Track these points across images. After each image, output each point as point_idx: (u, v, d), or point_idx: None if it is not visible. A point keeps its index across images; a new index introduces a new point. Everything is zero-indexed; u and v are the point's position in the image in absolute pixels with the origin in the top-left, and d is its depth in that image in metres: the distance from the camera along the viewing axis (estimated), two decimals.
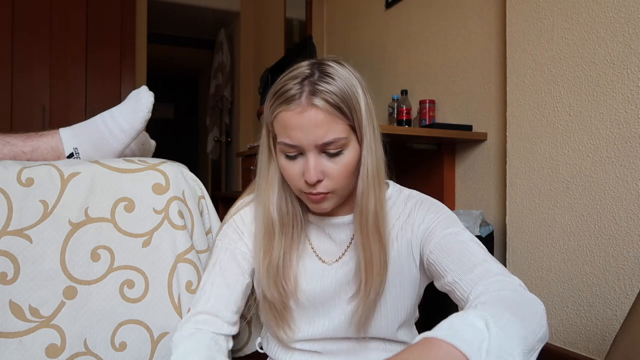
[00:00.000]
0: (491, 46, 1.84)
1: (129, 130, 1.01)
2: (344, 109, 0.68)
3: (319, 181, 0.70)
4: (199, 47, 5.12)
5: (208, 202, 1.02)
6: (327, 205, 0.74)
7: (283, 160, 0.73)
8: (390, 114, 2.18)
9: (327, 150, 0.69)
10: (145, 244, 0.92)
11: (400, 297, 0.79)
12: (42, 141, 0.98)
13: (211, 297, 0.80)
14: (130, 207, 0.92)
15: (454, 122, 1.99)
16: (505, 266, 1.59)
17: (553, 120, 1.45)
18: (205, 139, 5.06)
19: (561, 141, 1.42)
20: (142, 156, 1.18)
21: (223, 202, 3.58)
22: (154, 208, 0.92)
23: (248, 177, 2.74)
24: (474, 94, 1.92)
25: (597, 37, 1.33)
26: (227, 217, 0.87)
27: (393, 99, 2.18)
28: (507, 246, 1.58)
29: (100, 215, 0.90)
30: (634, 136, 1.24)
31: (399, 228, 0.79)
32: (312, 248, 0.82)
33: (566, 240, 1.40)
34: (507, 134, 1.59)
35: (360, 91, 0.71)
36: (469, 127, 1.90)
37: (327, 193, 0.72)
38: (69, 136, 1.00)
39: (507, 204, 1.59)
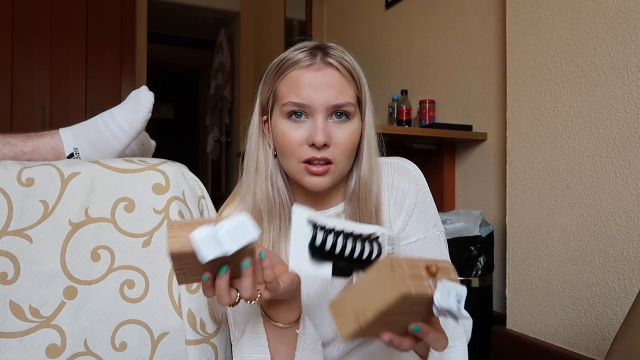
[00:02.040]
0: (491, 46, 1.84)
1: (129, 130, 1.01)
2: (355, 76, 0.69)
3: (326, 145, 0.67)
4: (199, 47, 5.12)
5: (208, 202, 1.02)
6: (325, 180, 0.70)
7: (284, 125, 0.69)
8: (390, 114, 2.18)
9: (337, 113, 0.68)
10: (146, 244, 0.92)
11: None
12: (42, 141, 0.98)
13: (241, 324, 0.77)
14: (130, 207, 0.92)
15: (454, 122, 1.99)
16: (505, 266, 1.59)
17: (553, 120, 1.45)
18: (205, 139, 5.06)
19: (561, 141, 1.42)
20: (142, 156, 1.18)
21: (223, 202, 3.57)
22: (154, 208, 0.92)
23: None
24: (474, 94, 1.92)
25: (597, 37, 1.33)
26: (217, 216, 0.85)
27: (393, 99, 2.18)
28: (507, 246, 1.58)
29: (101, 215, 0.90)
30: (634, 136, 1.24)
31: (388, 204, 0.77)
32: None
33: (566, 240, 1.40)
34: (507, 134, 1.59)
35: (361, 70, 0.72)
36: (469, 127, 1.90)
37: (331, 163, 0.68)
38: (69, 136, 1.00)
39: (507, 204, 1.59)
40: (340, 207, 0.77)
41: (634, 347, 0.71)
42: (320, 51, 0.68)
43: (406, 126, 2.06)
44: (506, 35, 1.61)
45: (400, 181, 0.77)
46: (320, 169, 0.68)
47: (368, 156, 0.72)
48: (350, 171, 0.75)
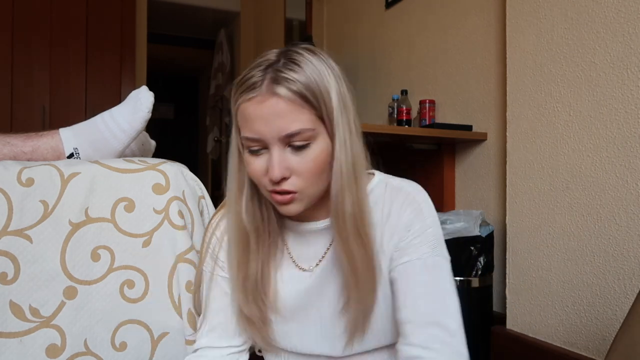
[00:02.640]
0: (491, 46, 1.84)
1: (129, 130, 1.01)
2: (310, 98, 0.62)
3: (285, 178, 0.64)
4: (199, 47, 5.12)
5: (208, 202, 1.02)
6: (295, 208, 0.67)
7: (247, 156, 0.66)
8: (390, 114, 2.18)
9: (292, 143, 0.63)
10: (145, 244, 0.92)
11: (391, 310, 0.71)
12: (42, 141, 0.98)
13: (212, 330, 0.78)
14: (130, 207, 0.92)
15: (454, 122, 1.99)
16: (505, 266, 1.59)
17: (553, 120, 1.45)
18: (205, 139, 5.06)
19: (561, 141, 1.42)
20: (142, 156, 1.18)
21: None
22: (154, 208, 0.92)
23: None
24: (474, 94, 1.92)
25: (597, 37, 1.33)
26: (204, 237, 0.83)
27: (393, 99, 2.18)
28: (507, 246, 1.58)
29: (101, 215, 0.90)
30: (634, 136, 1.24)
31: (383, 228, 0.71)
32: (290, 254, 0.77)
33: (566, 240, 1.40)
34: (507, 134, 1.59)
35: (332, 79, 0.64)
36: (469, 127, 1.90)
37: (295, 192, 0.65)
38: (69, 136, 1.00)
39: (507, 204, 1.59)
40: (326, 221, 0.74)
41: (634, 347, 0.71)
42: (270, 74, 0.62)
43: (406, 126, 2.06)
44: (506, 35, 1.61)
45: (397, 202, 0.72)
46: (285, 197, 0.65)
47: (338, 177, 0.66)
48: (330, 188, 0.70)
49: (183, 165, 1.01)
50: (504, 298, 1.62)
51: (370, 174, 0.75)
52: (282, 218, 0.76)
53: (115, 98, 3.28)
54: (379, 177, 0.76)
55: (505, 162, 1.61)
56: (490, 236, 1.67)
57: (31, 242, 0.85)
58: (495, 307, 1.76)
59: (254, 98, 0.62)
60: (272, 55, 0.65)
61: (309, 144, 0.64)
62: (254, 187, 0.71)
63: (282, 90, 0.61)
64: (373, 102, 2.53)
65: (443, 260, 0.70)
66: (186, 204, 0.95)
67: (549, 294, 1.45)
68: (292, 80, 0.62)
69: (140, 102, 1.01)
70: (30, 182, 0.86)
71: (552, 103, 1.45)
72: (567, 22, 1.41)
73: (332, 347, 0.75)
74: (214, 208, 1.04)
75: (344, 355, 0.75)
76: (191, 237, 0.95)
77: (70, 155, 0.99)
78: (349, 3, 2.86)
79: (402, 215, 0.70)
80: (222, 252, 0.79)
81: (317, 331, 0.75)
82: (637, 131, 1.23)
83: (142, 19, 3.72)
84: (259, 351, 0.91)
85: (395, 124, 2.11)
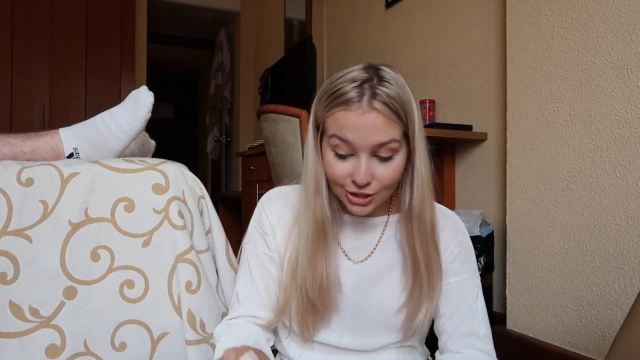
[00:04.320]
0: (491, 46, 1.84)
1: (128, 130, 1.01)
2: (401, 114, 0.69)
3: (367, 183, 0.71)
4: (199, 47, 5.12)
5: (208, 202, 1.02)
6: (368, 209, 0.74)
7: (331, 157, 0.72)
8: None
9: (379, 153, 0.70)
10: (145, 244, 0.91)
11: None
12: (42, 141, 0.98)
13: (245, 302, 0.80)
14: (130, 207, 0.91)
15: (454, 122, 1.99)
16: (505, 266, 1.59)
17: (553, 120, 1.45)
18: (205, 139, 5.06)
19: (561, 141, 1.42)
20: (142, 156, 1.18)
21: (223, 202, 3.58)
22: (153, 208, 0.92)
23: (248, 177, 2.73)
24: (474, 94, 1.92)
25: (597, 37, 1.33)
26: (255, 213, 0.86)
27: None
28: (507, 246, 1.58)
29: (100, 215, 0.90)
30: (634, 136, 1.24)
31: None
32: (340, 245, 0.82)
33: (566, 240, 1.40)
34: (507, 134, 1.59)
35: (413, 100, 0.72)
36: (469, 127, 1.90)
37: (373, 195, 0.72)
38: (68, 136, 1.00)
39: (507, 204, 1.59)
40: (381, 218, 0.81)
41: (634, 347, 0.71)
42: (369, 89, 0.68)
43: None
44: (506, 35, 1.61)
45: (449, 224, 0.83)
46: (362, 200, 0.72)
47: (419, 185, 0.74)
48: (399, 193, 0.79)
49: (183, 165, 1.01)
50: (504, 298, 1.62)
51: None
52: (342, 213, 0.82)
53: (115, 98, 3.28)
54: None
55: (505, 162, 1.61)
56: (490, 236, 1.67)
57: (31, 242, 0.85)
58: (495, 307, 1.76)
59: (354, 110, 0.68)
60: (360, 72, 0.70)
61: (392, 155, 0.71)
62: (329, 189, 0.77)
63: (381, 106, 0.68)
64: None
65: (478, 281, 0.83)
66: (186, 204, 0.95)
67: (549, 294, 1.45)
68: (388, 97, 0.68)
69: (140, 102, 1.01)
70: (30, 182, 0.86)
71: (552, 103, 1.45)
72: (567, 22, 1.41)
73: (365, 343, 0.81)
74: (214, 208, 1.04)
75: (369, 350, 0.81)
76: (191, 237, 0.95)
77: (70, 155, 0.99)
78: (349, 3, 2.86)
79: (455, 236, 0.82)
80: (274, 234, 0.82)
81: (357, 325, 0.80)
82: (637, 131, 1.23)
83: (142, 19, 3.72)
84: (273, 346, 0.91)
85: None
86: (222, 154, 4.78)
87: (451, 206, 1.99)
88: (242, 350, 0.69)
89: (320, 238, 0.77)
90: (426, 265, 0.76)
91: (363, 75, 0.70)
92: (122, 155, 1.05)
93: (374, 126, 0.68)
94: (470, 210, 1.73)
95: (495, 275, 1.73)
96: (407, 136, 0.72)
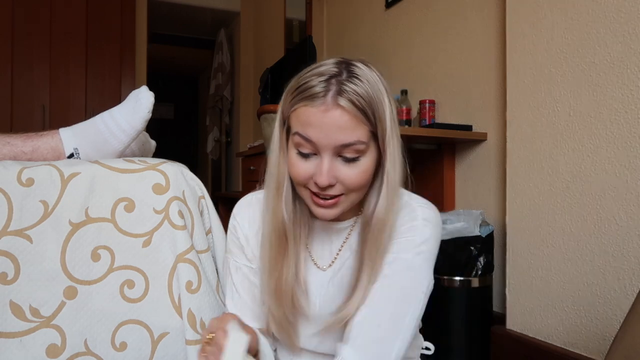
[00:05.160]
0: (491, 46, 1.84)
1: (129, 130, 1.01)
2: (369, 113, 0.64)
3: (330, 185, 0.66)
4: (199, 47, 5.13)
5: (208, 202, 1.02)
6: (333, 213, 0.69)
7: (294, 156, 0.68)
8: None
9: (343, 154, 0.65)
10: (146, 244, 0.92)
11: None
12: (42, 141, 0.98)
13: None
14: (130, 207, 0.92)
15: (454, 122, 1.99)
16: (505, 266, 1.59)
17: (553, 120, 1.45)
18: (205, 139, 5.06)
19: (561, 141, 1.42)
20: (142, 156, 1.18)
21: (223, 202, 3.58)
22: (154, 208, 0.92)
23: (248, 177, 2.74)
24: (474, 94, 1.92)
25: (597, 37, 1.33)
26: (229, 223, 0.84)
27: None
28: (507, 246, 1.58)
29: (101, 215, 0.90)
30: (634, 136, 1.24)
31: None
32: (309, 251, 0.78)
33: (566, 240, 1.40)
34: (507, 134, 1.59)
35: (385, 98, 0.67)
36: (469, 127, 1.90)
37: (339, 196, 0.67)
38: (69, 136, 1.00)
39: (507, 204, 1.59)
40: (348, 221, 0.77)
41: (634, 347, 0.71)
42: (336, 85, 0.63)
43: (406, 126, 2.06)
44: (506, 35, 1.61)
45: (401, 214, 0.74)
46: (327, 202, 0.68)
47: (387, 191, 0.69)
48: (367, 195, 0.72)
49: (183, 165, 1.01)
50: (504, 298, 1.62)
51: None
52: (311, 217, 0.77)
53: (115, 98, 3.28)
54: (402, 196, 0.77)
55: (505, 162, 1.61)
56: (490, 236, 1.67)
57: (31, 242, 0.85)
58: (495, 307, 1.76)
59: (317, 106, 0.63)
60: (331, 66, 0.66)
61: (359, 157, 0.66)
62: (292, 186, 0.72)
63: (346, 103, 0.63)
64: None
65: (421, 256, 0.72)
66: (186, 204, 0.95)
67: (549, 294, 1.45)
68: (356, 95, 0.63)
69: (140, 102, 1.01)
70: (30, 182, 0.86)
71: (552, 103, 1.45)
72: (567, 22, 1.41)
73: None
74: (214, 208, 1.04)
75: None
76: (191, 237, 0.95)
77: (70, 155, 0.99)
78: (349, 3, 2.86)
79: (403, 225, 0.73)
80: (248, 243, 0.80)
81: (332, 331, 0.75)
82: (637, 131, 1.23)
83: (142, 19, 3.72)
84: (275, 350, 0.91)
85: None
86: (222, 154, 4.78)
87: (451, 206, 1.99)
88: (225, 317, 0.67)
89: (281, 242, 0.72)
90: (369, 278, 0.69)
91: (333, 69, 0.65)
92: (122, 155, 1.05)
93: (338, 125, 0.63)
94: (470, 210, 1.73)
95: (495, 275, 1.73)
96: (376, 137, 0.67)
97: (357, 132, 0.64)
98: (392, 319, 0.69)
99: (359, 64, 0.67)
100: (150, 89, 1.04)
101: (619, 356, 0.73)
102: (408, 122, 2.08)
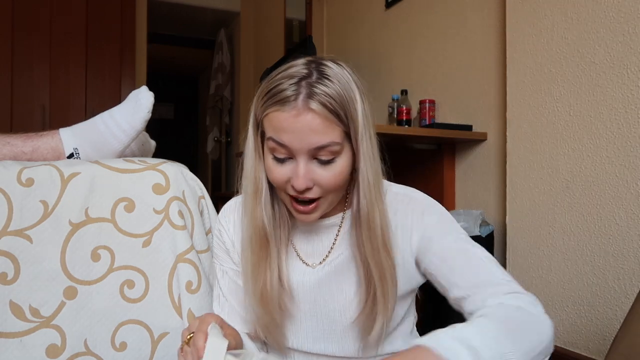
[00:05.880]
0: (491, 46, 1.84)
1: (129, 130, 1.01)
2: (341, 114, 0.64)
3: (308, 188, 0.66)
4: (199, 47, 5.12)
5: (208, 202, 1.02)
6: (314, 216, 0.69)
7: (269, 160, 0.67)
8: (390, 114, 2.18)
9: (318, 156, 0.65)
10: (146, 244, 0.92)
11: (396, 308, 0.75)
12: (42, 141, 0.98)
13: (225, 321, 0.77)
14: (130, 207, 0.92)
15: (454, 122, 1.99)
16: (505, 266, 1.59)
17: (553, 120, 1.45)
18: (205, 139, 5.06)
19: (561, 141, 1.42)
20: (142, 156, 1.18)
21: (223, 202, 3.56)
22: (154, 208, 0.92)
23: None
24: (474, 94, 1.92)
25: (597, 37, 1.33)
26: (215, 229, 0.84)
27: (393, 99, 2.18)
28: (507, 246, 1.58)
29: (101, 215, 0.90)
30: (634, 136, 1.24)
31: (396, 232, 0.74)
32: (295, 250, 0.78)
33: (566, 240, 1.40)
34: (507, 134, 1.59)
35: (357, 96, 0.66)
36: (469, 127, 1.90)
37: (318, 199, 0.67)
38: (69, 136, 1.00)
39: (507, 204, 1.59)
40: (335, 218, 0.76)
41: (634, 347, 0.71)
42: (306, 87, 0.62)
43: (406, 126, 2.06)
44: (506, 35, 1.61)
45: (402, 206, 0.75)
46: (307, 207, 0.68)
47: (365, 187, 0.68)
48: (349, 191, 0.73)
49: (183, 165, 1.01)
50: None
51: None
52: (292, 217, 0.76)
53: (115, 98, 3.28)
54: (386, 187, 0.77)
55: (505, 162, 1.61)
56: (490, 236, 1.67)
57: (31, 242, 0.85)
58: None
59: (288, 110, 0.63)
60: (301, 67, 0.65)
61: (334, 158, 0.65)
62: (271, 190, 0.72)
63: (317, 106, 0.62)
64: (373, 102, 2.52)
65: (463, 235, 0.73)
66: (186, 204, 0.96)
67: (549, 294, 1.45)
68: (327, 97, 0.63)
69: (140, 102, 1.01)
70: (30, 182, 0.86)
71: (552, 103, 1.45)
72: (567, 22, 1.41)
73: (342, 348, 0.76)
74: (214, 208, 1.04)
75: (360, 357, 0.76)
76: (191, 237, 0.95)
77: (70, 156, 0.99)
78: (349, 3, 2.86)
79: (420, 220, 0.73)
80: (234, 247, 0.80)
81: (326, 331, 0.76)
82: (637, 131, 1.23)
83: (142, 19, 3.72)
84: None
85: (395, 124, 2.11)
86: (222, 154, 4.78)
87: (451, 206, 1.99)
88: (207, 319, 0.67)
89: (262, 245, 0.72)
90: (380, 276, 0.69)
91: (303, 71, 0.64)
92: (122, 155, 1.05)
93: (310, 128, 0.62)
94: (470, 210, 1.73)
95: None
96: (350, 137, 0.66)
97: (331, 134, 0.64)
98: (482, 262, 0.69)
99: (329, 63, 0.66)
100: (150, 89, 1.04)
101: (619, 356, 0.73)
102: (408, 122, 2.08)
